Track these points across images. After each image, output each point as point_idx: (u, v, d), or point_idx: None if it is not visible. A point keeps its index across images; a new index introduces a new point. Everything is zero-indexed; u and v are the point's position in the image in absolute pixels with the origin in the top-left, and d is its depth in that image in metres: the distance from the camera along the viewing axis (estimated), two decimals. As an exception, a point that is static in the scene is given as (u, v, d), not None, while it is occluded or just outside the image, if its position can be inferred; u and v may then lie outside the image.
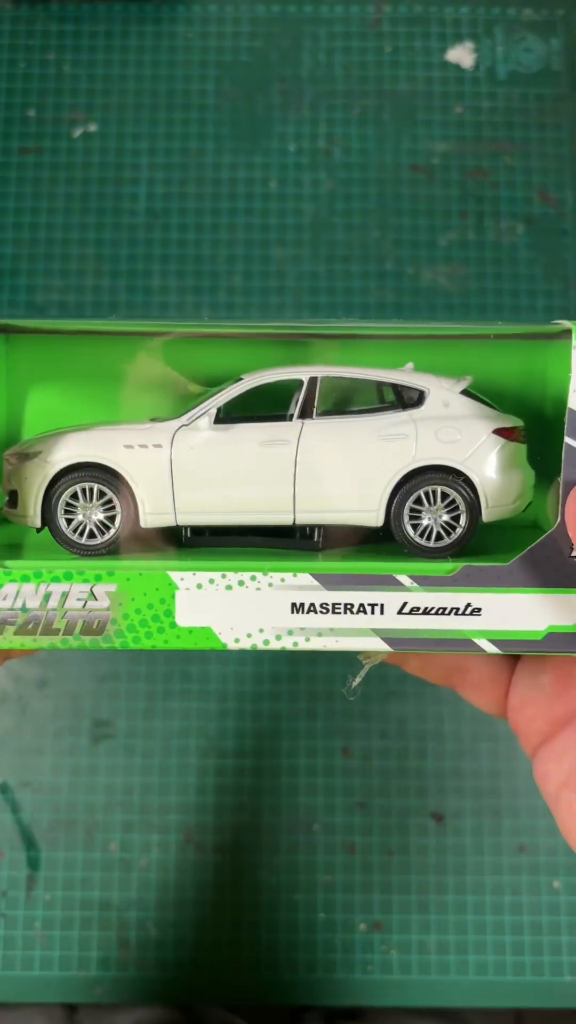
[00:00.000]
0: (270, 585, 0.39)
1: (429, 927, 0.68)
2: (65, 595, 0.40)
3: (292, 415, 0.44)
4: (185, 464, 0.43)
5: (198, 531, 0.44)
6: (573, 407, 0.38)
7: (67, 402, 0.47)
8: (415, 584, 0.39)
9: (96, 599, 0.40)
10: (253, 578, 0.39)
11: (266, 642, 0.39)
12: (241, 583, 0.39)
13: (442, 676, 0.48)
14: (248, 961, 0.68)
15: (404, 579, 0.39)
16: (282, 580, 0.39)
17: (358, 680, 0.45)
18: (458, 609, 0.39)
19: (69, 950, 0.68)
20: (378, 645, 0.40)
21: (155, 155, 0.79)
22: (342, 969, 0.68)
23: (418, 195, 0.79)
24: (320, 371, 0.44)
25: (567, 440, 0.39)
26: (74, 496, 0.44)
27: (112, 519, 0.44)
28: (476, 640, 0.39)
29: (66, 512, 0.43)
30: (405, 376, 0.44)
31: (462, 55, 0.81)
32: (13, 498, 0.44)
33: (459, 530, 0.43)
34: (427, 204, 0.79)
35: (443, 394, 0.43)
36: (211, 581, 0.39)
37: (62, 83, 0.80)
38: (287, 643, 0.39)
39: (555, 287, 0.78)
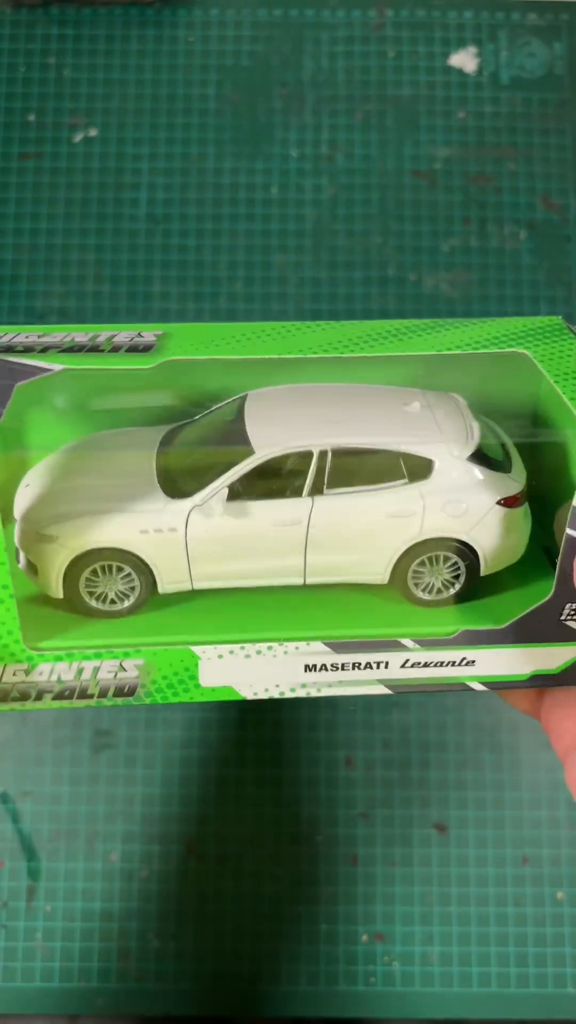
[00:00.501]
0: (285, 653, 0.42)
1: (432, 938, 0.68)
2: (96, 669, 0.42)
3: (302, 488, 0.45)
4: (200, 543, 0.45)
5: None
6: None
7: (64, 422, 0.48)
8: (417, 646, 0.42)
9: (125, 671, 0.42)
10: (270, 648, 0.42)
11: (281, 693, 0.43)
12: (259, 652, 0.42)
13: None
14: (249, 972, 0.68)
15: (408, 642, 0.42)
16: (296, 648, 0.42)
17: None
18: (454, 662, 0.43)
19: (70, 961, 0.68)
20: (382, 690, 0.43)
21: (156, 160, 0.79)
22: (344, 981, 0.68)
23: (420, 201, 0.79)
24: (330, 443, 0.45)
25: (569, 531, 0.40)
26: (94, 572, 0.45)
27: (132, 589, 0.45)
28: (468, 683, 0.43)
29: (87, 586, 0.45)
30: (413, 446, 0.45)
31: (465, 60, 0.80)
32: (33, 569, 0.46)
33: (458, 586, 0.46)
34: (429, 210, 0.79)
35: (450, 463, 0.45)
36: (231, 652, 0.42)
37: (62, 87, 0.80)
38: (300, 693, 0.43)
39: (558, 293, 0.77)
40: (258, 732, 0.71)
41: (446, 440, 0.45)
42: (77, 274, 0.77)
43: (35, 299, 0.77)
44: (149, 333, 0.44)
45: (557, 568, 0.41)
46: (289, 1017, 0.67)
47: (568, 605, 0.42)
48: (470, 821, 0.70)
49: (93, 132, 0.79)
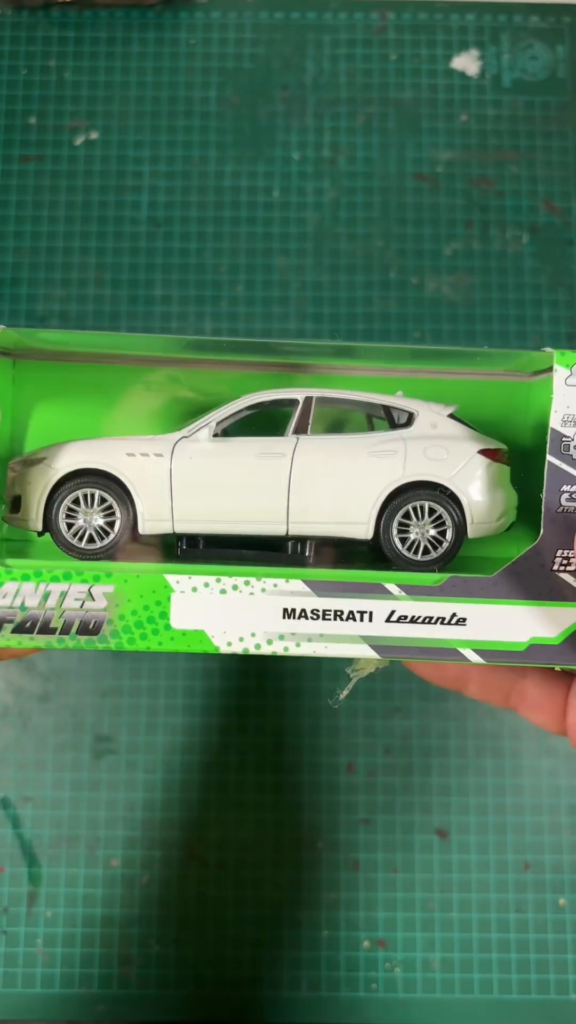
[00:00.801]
0: (263, 591, 0.41)
1: (433, 945, 0.68)
2: (64, 595, 0.40)
3: (288, 431, 0.45)
4: (184, 473, 0.44)
5: (192, 543, 0.46)
6: (555, 427, 0.40)
7: (68, 418, 0.48)
8: (403, 593, 0.41)
9: (94, 599, 0.40)
10: (247, 583, 0.41)
11: (257, 646, 0.41)
12: (235, 587, 0.41)
13: (502, 699, 0.49)
14: (251, 979, 0.68)
15: (392, 588, 0.41)
16: (274, 585, 0.41)
17: (345, 692, 0.47)
18: (444, 619, 0.41)
19: (71, 967, 0.68)
20: (367, 652, 0.41)
21: (157, 163, 0.79)
22: (346, 987, 0.68)
23: (422, 204, 0.78)
24: (315, 392, 0.46)
25: (549, 458, 0.40)
26: (75, 502, 0.45)
27: (111, 525, 0.45)
28: (461, 650, 0.41)
29: (67, 517, 0.45)
30: (395, 400, 0.46)
31: (467, 63, 0.80)
32: (16, 503, 0.45)
33: (445, 545, 0.45)
34: (431, 213, 0.78)
35: (431, 416, 0.46)
36: (206, 585, 0.41)
37: (63, 90, 0.80)
38: (278, 648, 0.41)
39: (560, 297, 0.77)
40: (259, 738, 0.71)
41: (428, 403, 0.46)
42: (78, 277, 0.77)
43: (36, 302, 0.77)
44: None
45: (543, 505, 0.40)
46: (290, 1023, 0.67)
47: (559, 552, 0.40)
48: (472, 827, 0.69)
49: (94, 135, 0.79)
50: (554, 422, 0.40)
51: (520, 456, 0.47)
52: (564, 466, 0.40)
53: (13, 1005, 0.67)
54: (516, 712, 0.49)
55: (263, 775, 0.70)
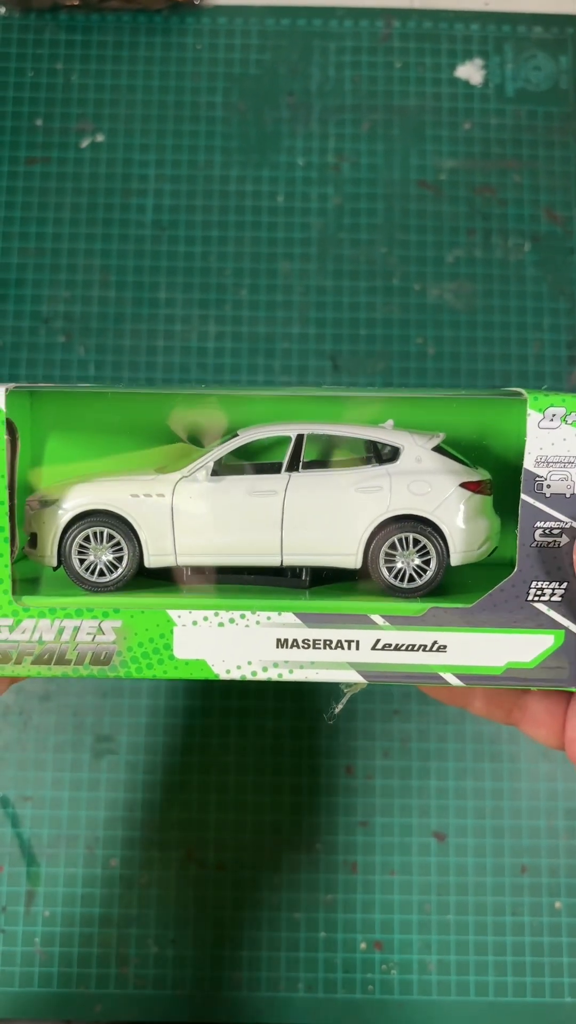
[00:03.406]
0: (257, 623, 0.44)
1: (430, 947, 0.68)
2: (77, 629, 0.44)
3: (280, 467, 0.48)
4: (184, 511, 0.48)
5: (198, 569, 0.49)
6: (528, 468, 0.43)
7: (80, 449, 0.52)
8: (387, 623, 0.44)
9: (104, 633, 0.44)
10: (243, 616, 0.44)
11: (254, 673, 0.44)
12: (232, 620, 0.44)
13: (504, 715, 0.51)
14: (248, 979, 0.68)
15: (377, 619, 0.44)
16: (268, 618, 0.44)
17: (339, 708, 0.50)
18: (425, 646, 0.44)
19: (68, 967, 0.68)
20: (354, 677, 0.44)
21: (162, 167, 0.79)
22: (343, 989, 0.68)
23: (425, 211, 0.79)
24: (307, 428, 0.49)
25: (523, 497, 0.43)
26: (86, 539, 0.48)
27: (120, 560, 0.48)
28: (442, 674, 0.44)
29: (79, 553, 0.48)
30: (382, 434, 0.49)
31: (471, 72, 0.81)
32: (33, 539, 0.49)
33: (429, 573, 0.47)
34: (434, 220, 0.79)
35: (416, 450, 0.48)
36: (205, 619, 0.44)
37: (70, 93, 0.80)
38: (272, 674, 0.44)
39: (561, 305, 0.78)
40: (258, 740, 0.71)
41: (414, 436, 0.49)
42: (83, 279, 0.77)
43: (41, 303, 0.77)
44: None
45: (518, 540, 0.43)
46: (287, 1024, 0.68)
47: (533, 583, 0.43)
48: (469, 830, 0.70)
49: (100, 138, 0.80)
50: (527, 463, 0.43)
51: (505, 474, 0.49)
52: (537, 504, 0.43)
53: (10, 1004, 0.67)
54: (517, 728, 0.51)
55: (262, 777, 0.71)
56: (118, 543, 0.48)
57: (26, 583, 0.49)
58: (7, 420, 0.45)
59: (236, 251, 0.78)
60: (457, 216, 0.79)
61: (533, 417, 0.42)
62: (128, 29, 0.81)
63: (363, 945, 0.69)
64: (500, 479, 0.49)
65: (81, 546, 0.48)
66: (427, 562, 0.47)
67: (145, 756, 0.71)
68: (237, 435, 0.49)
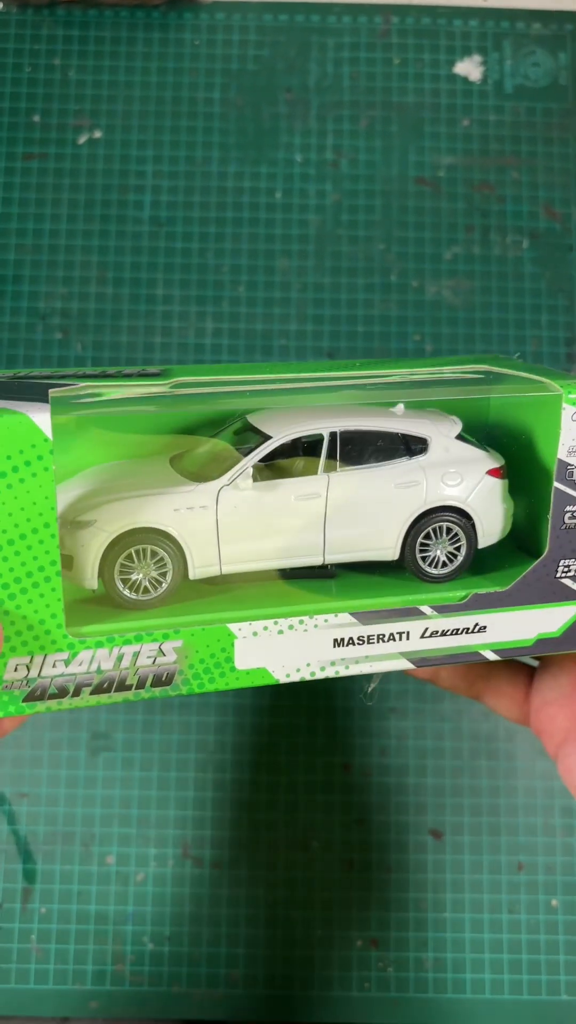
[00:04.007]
0: (316, 626, 0.44)
1: (426, 945, 0.68)
2: (136, 655, 0.43)
3: (317, 467, 0.48)
4: (229, 522, 0.47)
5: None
6: (561, 457, 0.45)
7: (106, 452, 0.51)
8: (434, 612, 0.46)
9: (164, 655, 0.43)
10: (301, 622, 0.44)
11: (312, 674, 0.45)
12: (291, 627, 0.44)
13: (468, 687, 0.54)
14: (244, 977, 0.68)
15: (426, 609, 0.46)
16: (325, 621, 0.45)
17: (374, 685, 0.52)
18: (468, 628, 0.46)
19: (64, 964, 0.68)
20: (405, 665, 0.46)
21: (160, 163, 0.79)
22: (339, 986, 0.68)
23: (424, 208, 0.79)
24: (338, 425, 0.49)
25: (556, 484, 0.45)
26: (128, 557, 0.47)
27: (164, 575, 0.47)
28: (482, 652, 0.46)
29: (121, 572, 0.46)
30: (409, 425, 0.50)
31: (470, 68, 0.81)
32: (67, 562, 0.47)
33: (460, 558, 0.49)
34: (433, 217, 0.79)
35: (443, 441, 0.50)
36: (265, 628, 0.44)
37: (67, 88, 0.80)
38: (330, 672, 0.45)
39: (559, 302, 0.77)
40: (256, 737, 0.71)
41: (436, 424, 0.50)
42: (80, 276, 0.77)
43: (38, 300, 0.77)
44: (153, 369, 0.49)
45: (549, 524, 0.45)
46: (283, 1021, 0.67)
47: (562, 562, 0.46)
48: (465, 828, 0.70)
49: (98, 134, 0.79)
50: (561, 453, 0.45)
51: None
52: (568, 490, 0.46)
53: (6, 1001, 0.67)
54: (480, 700, 0.54)
55: (259, 774, 0.70)
56: (162, 559, 0.47)
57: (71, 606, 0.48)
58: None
59: (234, 247, 0.78)
60: (455, 213, 0.79)
61: (568, 410, 0.45)
62: (126, 24, 0.81)
63: (359, 942, 0.69)
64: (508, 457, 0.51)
65: (124, 564, 0.46)
66: (457, 548, 0.49)
67: (141, 753, 0.71)
68: (270, 436, 0.48)
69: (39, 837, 0.70)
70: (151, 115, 0.80)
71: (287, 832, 0.70)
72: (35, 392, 0.43)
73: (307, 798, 0.70)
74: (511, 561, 0.50)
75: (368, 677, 0.50)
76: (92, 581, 0.46)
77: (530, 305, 0.77)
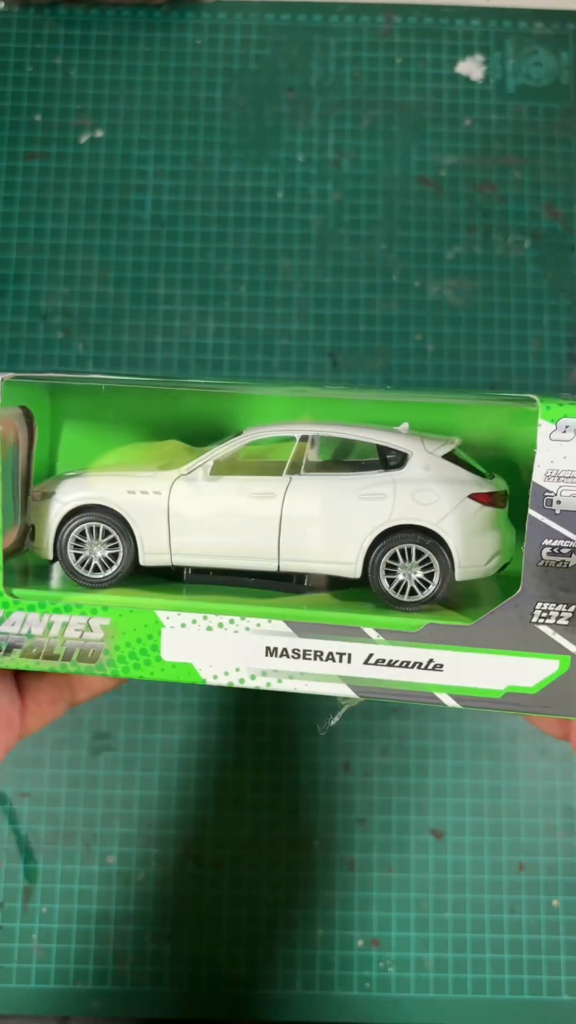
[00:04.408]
0: (247, 629, 0.43)
1: (427, 944, 0.68)
2: (65, 625, 0.43)
3: (281, 469, 0.47)
4: (180, 511, 0.47)
5: (200, 570, 0.48)
6: (537, 482, 0.40)
7: (93, 438, 0.52)
8: (381, 637, 0.42)
9: (92, 631, 0.43)
10: (231, 621, 0.43)
11: (241, 680, 0.43)
12: (220, 625, 0.43)
13: (559, 731, 0.48)
14: (245, 977, 0.68)
15: (371, 632, 0.42)
16: (257, 625, 0.43)
17: (335, 720, 0.48)
18: (421, 664, 0.42)
19: (65, 963, 0.68)
20: (345, 691, 0.42)
21: (162, 162, 0.79)
22: (339, 986, 0.68)
23: (425, 208, 0.79)
24: (312, 429, 0.47)
25: (531, 512, 0.40)
26: (82, 534, 0.47)
27: (115, 556, 0.47)
28: (438, 694, 0.42)
29: (74, 548, 0.47)
30: (390, 437, 0.46)
31: (472, 68, 0.81)
32: (33, 531, 0.48)
33: (432, 587, 0.45)
34: (434, 217, 0.79)
35: (425, 457, 0.46)
36: (193, 621, 0.43)
37: (69, 88, 0.80)
38: (260, 683, 0.43)
39: (561, 302, 0.77)
40: (257, 737, 0.71)
41: (424, 442, 0.46)
42: (82, 275, 0.77)
43: (40, 299, 0.77)
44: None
45: (523, 558, 0.40)
46: (284, 1021, 0.68)
47: (539, 605, 0.40)
48: (466, 827, 0.70)
49: (99, 133, 0.79)
50: (536, 477, 0.40)
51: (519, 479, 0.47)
52: (546, 520, 0.40)
53: (7, 1000, 0.67)
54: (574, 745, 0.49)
55: (260, 774, 0.70)
56: (114, 539, 0.47)
57: (22, 575, 0.49)
58: (24, 409, 0.45)
59: (235, 247, 0.78)
60: (457, 213, 0.79)
61: (544, 427, 0.40)
62: (128, 24, 0.81)
63: (360, 942, 0.69)
64: (515, 487, 0.47)
65: (77, 540, 0.47)
66: (430, 575, 0.45)
67: (143, 753, 0.71)
68: (241, 434, 0.47)
69: (41, 836, 0.70)
70: (153, 115, 0.80)
71: (288, 832, 0.70)
72: None
73: (308, 798, 0.70)
74: (493, 595, 0.46)
75: (334, 708, 0.47)
76: (48, 552, 0.47)
77: (532, 305, 0.77)
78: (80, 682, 0.52)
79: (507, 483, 0.48)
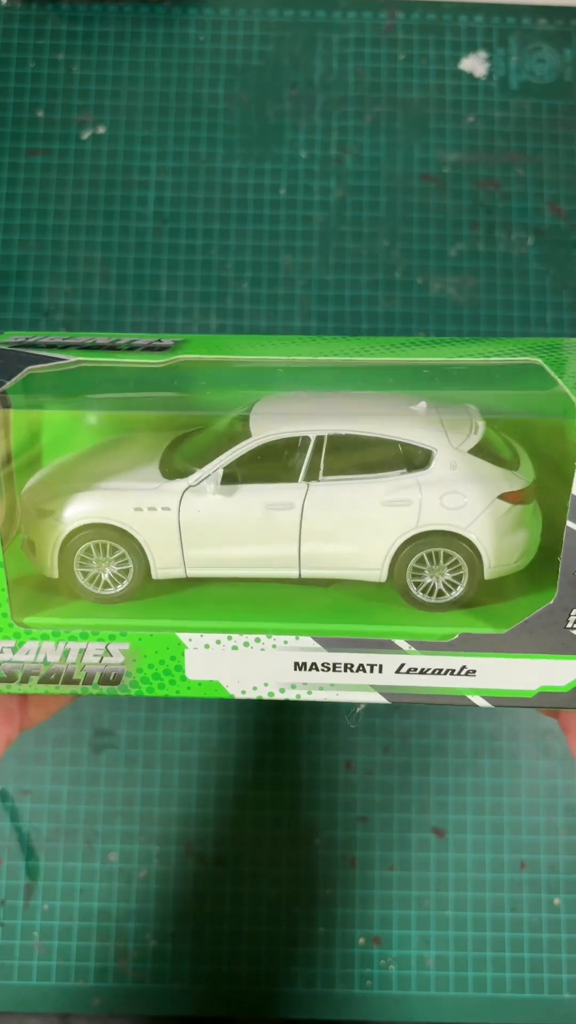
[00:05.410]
0: (274, 647, 0.41)
1: (429, 942, 0.68)
2: (83, 652, 0.41)
3: (297, 474, 0.44)
4: (193, 525, 0.44)
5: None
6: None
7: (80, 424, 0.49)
8: (412, 648, 0.40)
9: (111, 655, 0.41)
10: (257, 640, 0.41)
11: (271, 694, 0.41)
12: (246, 644, 0.41)
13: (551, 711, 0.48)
14: (246, 974, 0.68)
15: (402, 644, 0.41)
16: (285, 642, 0.41)
17: (361, 707, 0.46)
18: (453, 670, 0.41)
19: (67, 960, 0.68)
20: (376, 699, 0.41)
21: (164, 159, 0.79)
22: (341, 983, 0.68)
23: (428, 205, 0.79)
24: (327, 428, 0.43)
25: (569, 524, 0.39)
26: (88, 551, 0.45)
27: (125, 572, 0.45)
28: (471, 697, 0.41)
29: (81, 565, 0.45)
30: (412, 432, 0.43)
31: (475, 64, 0.80)
32: (31, 547, 0.46)
33: (460, 588, 0.43)
34: (437, 214, 0.78)
35: (450, 455, 0.43)
36: (218, 642, 0.41)
37: (71, 84, 0.80)
38: (290, 695, 0.41)
39: (564, 300, 0.77)
40: (259, 734, 0.71)
41: (448, 434, 0.44)
42: (84, 272, 0.77)
43: (42, 296, 0.77)
44: (168, 339, 0.44)
45: (560, 568, 0.40)
46: (285, 1019, 0.68)
47: (574, 610, 0.40)
48: (468, 826, 0.70)
49: (101, 130, 0.79)
50: None
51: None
52: None
53: (8, 997, 0.68)
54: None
55: (262, 772, 0.70)
56: (123, 555, 0.45)
57: (23, 586, 0.46)
58: None
59: (238, 244, 0.77)
60: (460, 210, 0.78)
61: None
62: (130, 20, 0.81)
63: (361, 940, 0.69)
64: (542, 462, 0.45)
65: (83, 558, 0.45)
66: (459, 577, 0.43)
67: (144, 750, 0.71)
68: (250, 437, 0.44)
69: (42, 834, 0.70)
70: (155, 111, 0.79)
71: (290, 829, 0.70)
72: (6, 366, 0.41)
73: (310, 795, 0.70)
74: (514, 589, 0.44)
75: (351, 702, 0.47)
76: (53, 571, 0.45)
77: (535, 303, 0.77)
78: None
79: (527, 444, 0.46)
